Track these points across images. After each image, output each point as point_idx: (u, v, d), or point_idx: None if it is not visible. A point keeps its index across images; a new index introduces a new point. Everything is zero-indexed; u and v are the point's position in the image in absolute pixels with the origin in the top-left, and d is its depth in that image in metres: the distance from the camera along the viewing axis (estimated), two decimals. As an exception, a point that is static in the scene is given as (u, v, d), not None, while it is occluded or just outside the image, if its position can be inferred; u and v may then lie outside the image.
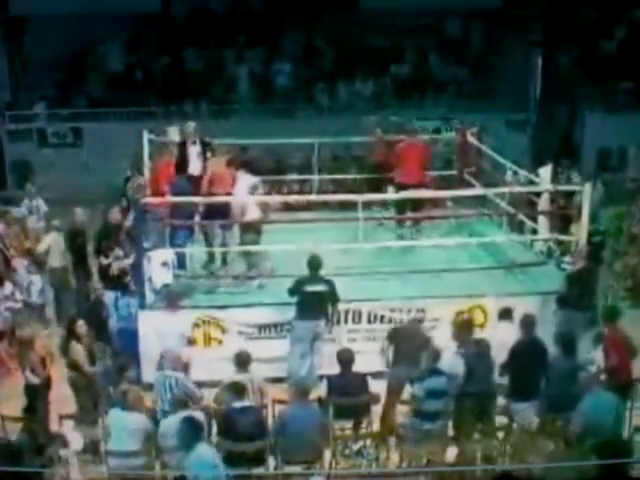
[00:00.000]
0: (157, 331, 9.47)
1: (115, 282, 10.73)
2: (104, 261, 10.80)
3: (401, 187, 12.12)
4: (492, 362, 8.71)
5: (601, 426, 7.79)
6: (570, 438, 7.89)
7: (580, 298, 9.75)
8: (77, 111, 18.04)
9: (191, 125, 12.08)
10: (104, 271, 10.87)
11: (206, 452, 7.05)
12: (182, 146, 11.86)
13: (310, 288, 9.63)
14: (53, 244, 11.85)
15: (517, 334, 8.85)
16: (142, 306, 10.02)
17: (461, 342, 8.82)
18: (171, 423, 7.61)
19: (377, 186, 12.72)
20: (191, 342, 9.79)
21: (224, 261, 11.10)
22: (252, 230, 10.76)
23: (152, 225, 10.40)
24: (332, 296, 9.75)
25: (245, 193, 10.69)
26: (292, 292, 9.72)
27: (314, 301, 9.66)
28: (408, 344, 8.96)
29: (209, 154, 11.76)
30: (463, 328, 9.03)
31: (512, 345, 8.75)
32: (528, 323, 8.84)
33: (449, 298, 10.36)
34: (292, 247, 10.62)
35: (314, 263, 9.69)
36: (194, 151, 11.82)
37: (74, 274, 11.81)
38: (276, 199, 13.93)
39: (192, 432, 7.09)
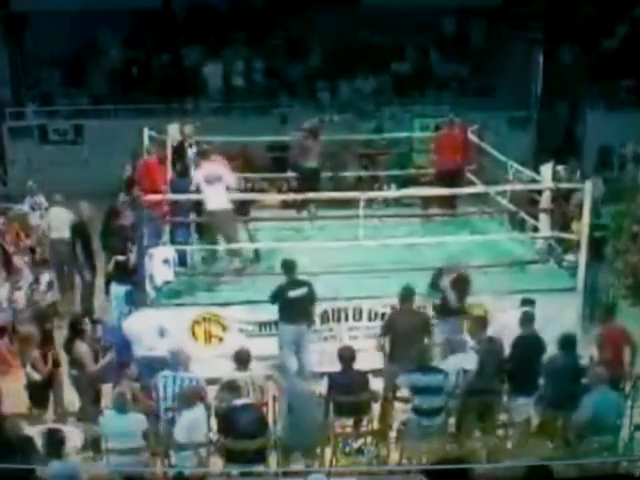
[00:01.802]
0: (158, 328, 9.47)
1: (130, 275, 10.63)
2: (120, 258, 10.77)
3: (439, 175, 12.91)
4: (503, 361, 8.73)
5: (604, 424, 7.82)
6: (570, 435, 7.91)
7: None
8: (78, 108, 18.03)
9: (189, 127, 12.04)
10: (121, 265, 10.79)
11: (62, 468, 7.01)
12: (180, 146, 11.83)
13: (292, 293, 9.63)
14: (54, 218, 12.10)
15: (517, 330, 8.90)
16: (143, 303, 10.02)
17: (474, 339, 8.85)
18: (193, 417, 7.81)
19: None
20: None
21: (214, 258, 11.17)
22: (211, 221, 10.76)
23: (151, 223, 10.40)
24: (312, 297, 9.77)
25: (202, 181, 10.64)
26: (274, 299, 9.69)
27: (297, 304, 9.66)
28: (405, 331, 8.97)
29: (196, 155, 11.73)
30: (476, 325, 9.05)
31: (512, 341, 8.80)
32: (527, 319, 8.86)
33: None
34: (288, 245, 10.68)
35: (288, 266, 9.70)
36: (191, 153, 11.81)
37: (78, 270, 11.85)
38: (276, 197, 13.99)
39: (53, 446, 7.09)
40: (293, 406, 8.04)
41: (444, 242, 11.20)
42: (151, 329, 9.21)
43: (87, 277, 11.82)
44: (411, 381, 8.27)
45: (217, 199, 10.59)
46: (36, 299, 11.28)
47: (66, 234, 11.89)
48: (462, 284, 9.64)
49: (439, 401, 8.25)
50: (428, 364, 8.43)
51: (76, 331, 9.02)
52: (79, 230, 11.74)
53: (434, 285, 9.82)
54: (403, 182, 14.94)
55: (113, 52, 18.88)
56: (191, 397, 7.98)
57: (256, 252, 11.31)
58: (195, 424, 7.83)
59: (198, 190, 10.65)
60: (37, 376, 8.93)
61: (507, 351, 8.82)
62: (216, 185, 10.61)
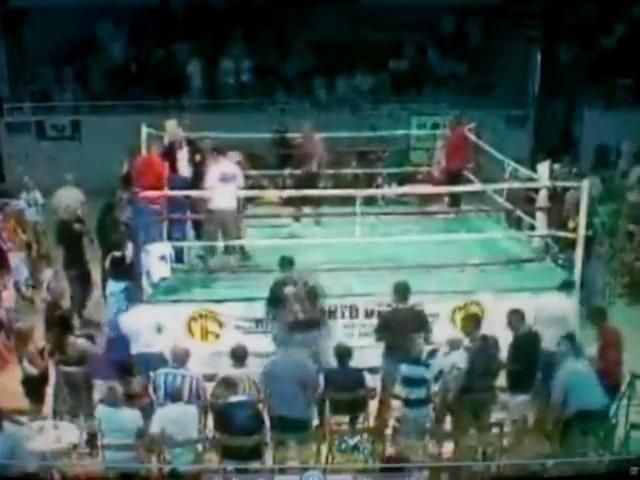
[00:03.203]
0: (155, 325, 9.47)
1: (127, 272, 10.59)
2: (117, 253, 10.76)
3: (448, 173, 13.01)
4: (497, 359, 8.73)
5: (582, 396, 7.97)
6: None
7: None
8: (76, 104, 18.03)
9: (177, 129, 11.98)
10: (118, 262, 10.77)
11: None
12: (170, 147, 11.81)
13: (288, 290, 9.60)
14: (65, 196, 12.22)
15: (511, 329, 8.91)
16: (140, 299, 10.03)
17: (467, 337, 8.85)
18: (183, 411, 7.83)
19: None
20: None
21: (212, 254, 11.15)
22: (215, 219, 10.75)
23: (147, 219, 10.39)
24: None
25: (216, 180, 10.66)
26: (272, 297, 9.60)
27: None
28: (401, 329, 8.94)
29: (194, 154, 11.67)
30: (468, 323, 9.06)
31: (511, 340, 8.81)
32: (518, 317, 8.87)
33: (445, 294, 10.39)
34: (284, 242, 10.66)
35: (286, 263, 9.68)
36: (182, 154, 11.76)
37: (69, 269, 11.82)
38: (273, 193, 13.99)
39: None
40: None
41: (441, 240, 11.22)
42: (148, 325, 9.20)
43: (78, 274, 11.79)
44: (400, 372, 8.32)
45: (228, 198, 10.61)
46: (45, 294, 11.26)
47: (74, 215, 11.84)
48: (310, 293, 9.50)
49: (424, 392, 8.31)
50: (418, 357, 8.45)
51: (68, 328, 9.01)
52: (70, 227, 11.72)
53: (275, 298, 9.54)
54: (400, 180, 14.95)
55: (111, 48, 18.87)
56: (181, 392, 7.99)
57: (242, 250, 11.26)
58: (183, 418, 7.83)
59: (211, 188, 10.61)
60: (34, 371, 8.91)
61: (504, 350, 8.83)
62: (230, 184, 10.63)
